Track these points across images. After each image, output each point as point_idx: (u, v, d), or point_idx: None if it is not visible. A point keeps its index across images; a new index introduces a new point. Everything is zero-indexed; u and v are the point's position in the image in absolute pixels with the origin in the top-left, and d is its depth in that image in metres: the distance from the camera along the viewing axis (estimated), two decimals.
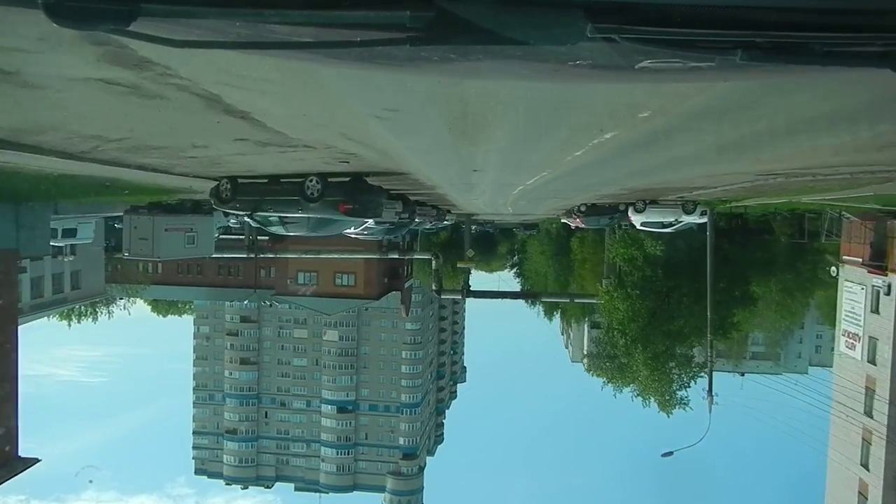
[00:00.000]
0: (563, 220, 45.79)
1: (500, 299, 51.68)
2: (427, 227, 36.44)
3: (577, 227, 55.98)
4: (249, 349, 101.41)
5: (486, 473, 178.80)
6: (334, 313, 69.49)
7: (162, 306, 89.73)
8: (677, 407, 36.71)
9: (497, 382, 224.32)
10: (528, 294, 53.97)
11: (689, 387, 37.10)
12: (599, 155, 8.02)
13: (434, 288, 51.81)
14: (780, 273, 42.78)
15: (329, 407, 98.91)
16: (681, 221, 24.32)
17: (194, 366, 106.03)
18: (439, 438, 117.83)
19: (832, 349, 73.00)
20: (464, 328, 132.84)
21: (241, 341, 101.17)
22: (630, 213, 25.15)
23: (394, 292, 69.26)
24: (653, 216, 24.48)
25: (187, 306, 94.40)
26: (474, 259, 60.31)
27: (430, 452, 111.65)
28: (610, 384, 38.18)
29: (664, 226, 24.89)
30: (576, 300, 52.43)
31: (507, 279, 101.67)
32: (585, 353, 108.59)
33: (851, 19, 1.44)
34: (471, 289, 53.25)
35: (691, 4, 1.46)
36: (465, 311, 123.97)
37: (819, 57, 1.53)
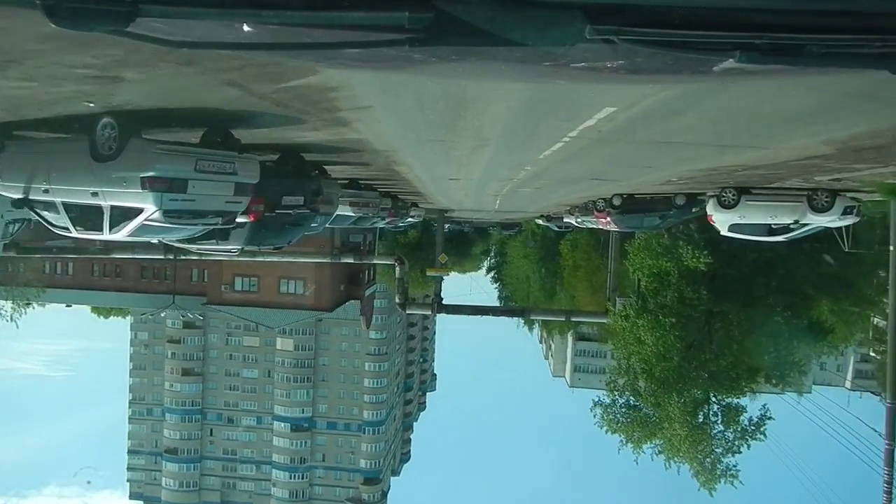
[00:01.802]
0: (565, 221, 35.71)
1: (479, 315, 41.41)
2: (381, 224, 26.20)
3: (567, 229, 46.05)
4: (193, 358, 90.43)
5: (456, 494, 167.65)
6: (279, 327, 58.67)
7: (102, 308, 78.96)
8: (723, 480, 26.76)
9: (469, 390, 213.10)
10: (513, 311, 43.74)
11: (739, 451, 27.22)
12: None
13: (398, 301, 41.70)
14: (837, 293, 32.88)
15: (282, 424, 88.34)
16: (806, 224, 14.20)
17: (131, 376, 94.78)
18: (405, 456, 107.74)
19: (838, 367, 65.50)
20: (435, 332, 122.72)
21: (184, 349, 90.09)
22: (710, 209, 15.03)
23: (352, 301, 58.63)
24: (753, 215, 14.35)
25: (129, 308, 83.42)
26: (448, 266, 50.35)
27: (395, 472, 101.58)
28: (630, 444, 28.06)
29: (772, 231, 14.62)
30: (573, 319, 42.47)
31: (481, 280, 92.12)
32: (572, 371, 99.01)
33: (850, 21, 1.44)
34: (443, 301, 42.99)
35: (690, 6, 1.46)
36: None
37: (817, 58, 1.52)
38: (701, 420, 27.32)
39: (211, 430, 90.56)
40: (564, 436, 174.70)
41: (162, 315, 40.31)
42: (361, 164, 12.51)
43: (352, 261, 42.78)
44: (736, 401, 27.77)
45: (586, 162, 11.23)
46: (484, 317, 42.16)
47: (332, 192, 11.68)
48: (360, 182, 17.21)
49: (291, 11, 1.43)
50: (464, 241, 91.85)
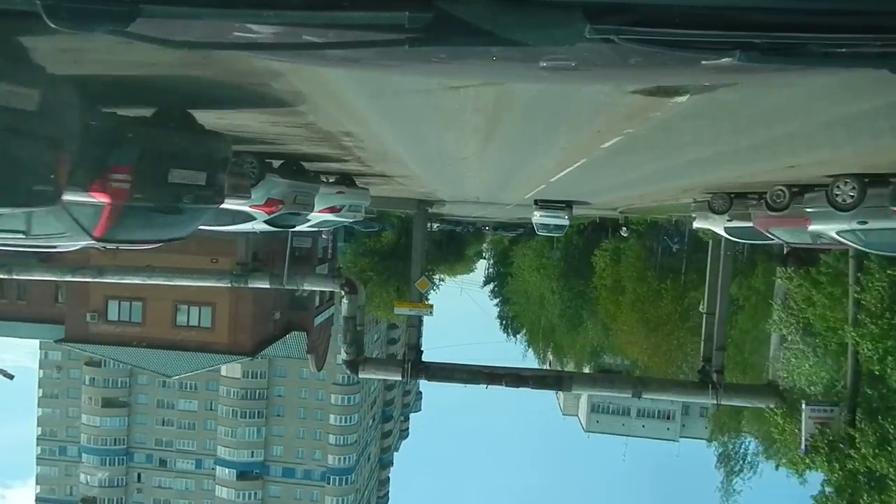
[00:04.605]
0: (697, 225, 17.83)
1: (484, 385, 23.65)
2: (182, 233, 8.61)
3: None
4: (117, 385, 75.86)
5: None
6: (176, 376, 40.76)
7: None
8: None
9: (459, 411, 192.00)
10: (544, 379, 25.74)
11: None
12: None
13: (346, 357, 24.58)
14: None
15: (226, 470, 74.63)
16: None
17: (39, 406, 78.04)
18: (382, 500, 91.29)
19: None
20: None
21: (106, 374, 74.90)
22: None
23: (294, 333, 40.53)
24: None
25: None
26: (431, 289, 32.43)
27: None
28: None
29: None
30: (646, 395, 24.72)
31: (475, 291, 74.70)
32: (589, 411, 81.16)
33: (850, 20, 1.44)
34: (422, 357, 25.67)
35: (690, 5, 1.47)
36: (423, 324, 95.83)
37: (817, 58, 1.53)
38: None
39: (138, 476, 77.24)
40: (579, 482, 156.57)
41: None
42: None
43: (267, 286, 24.61)
44: None
45: None
46: (492, 387, 24.34)
47: None
48: None
49: (292, 11, 1.44)
50: (455, 241, 74.94)
